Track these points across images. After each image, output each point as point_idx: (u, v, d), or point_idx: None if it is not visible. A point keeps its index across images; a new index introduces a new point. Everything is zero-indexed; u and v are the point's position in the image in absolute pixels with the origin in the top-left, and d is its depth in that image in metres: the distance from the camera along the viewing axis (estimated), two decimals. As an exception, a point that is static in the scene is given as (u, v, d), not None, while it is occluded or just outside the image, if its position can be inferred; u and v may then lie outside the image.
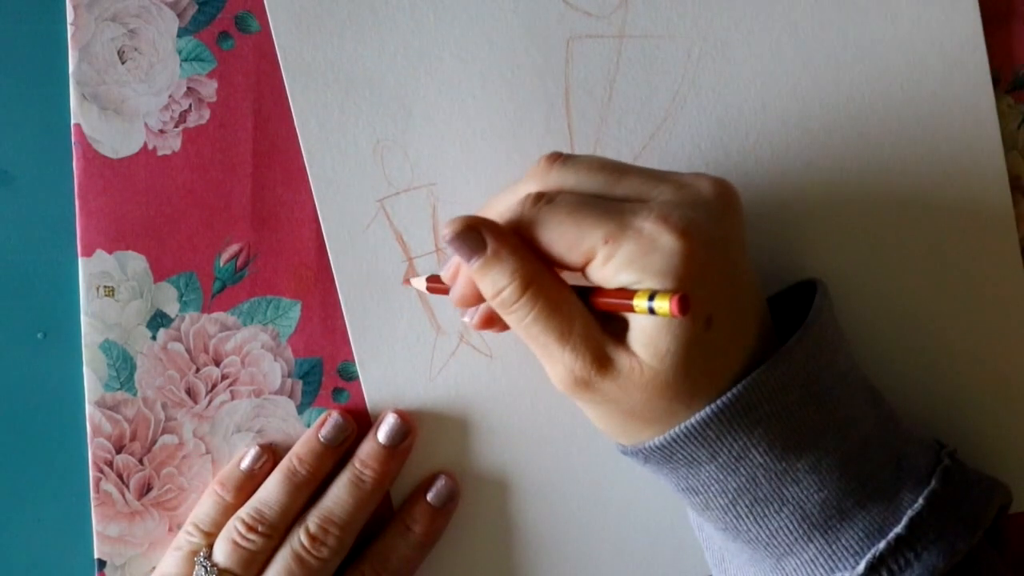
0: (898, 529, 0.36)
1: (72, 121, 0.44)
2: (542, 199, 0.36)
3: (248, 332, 0.45)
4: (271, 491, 0.43)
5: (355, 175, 0.45)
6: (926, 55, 0.45)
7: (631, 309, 0.34)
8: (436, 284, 0.41)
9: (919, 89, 0.45)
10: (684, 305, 0.32)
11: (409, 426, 0.45)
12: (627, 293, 0.34)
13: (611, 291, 0.35)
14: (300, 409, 0.45)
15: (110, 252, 0.45)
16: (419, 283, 0.43)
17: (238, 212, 0.45)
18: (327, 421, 0.44)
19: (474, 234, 0.36)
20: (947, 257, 0.45)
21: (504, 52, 0.45)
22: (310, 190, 0.45)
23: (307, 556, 0.42)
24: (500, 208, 0.38)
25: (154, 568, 0.44)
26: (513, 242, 0.36)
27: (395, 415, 0.44)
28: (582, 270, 0.36)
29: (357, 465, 0.44)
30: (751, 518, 0.37)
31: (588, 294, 0.36)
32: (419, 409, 0.45)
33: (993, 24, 0.45)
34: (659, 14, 0.45)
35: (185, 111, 0.45)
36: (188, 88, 0.45)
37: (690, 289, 0.34)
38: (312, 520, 0.43)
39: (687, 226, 0.34)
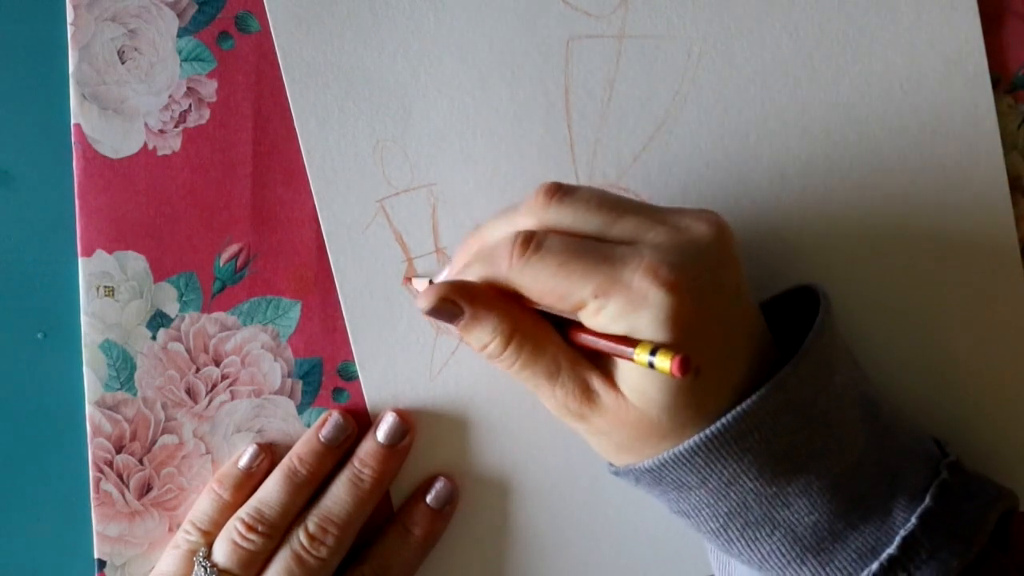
0: (890, 550, 0.36)
1: (72, 121, 0.44)
2: (529, 247, 0.36)
3: (248, 332, 0.45)
4: (271, 491, 0.43)
5: (355, 175, 0.45)
6: (926, 55, 0.45)
7: (630, 358, 0.34)
8: None
9: (919, 89, 0.45)
10: (685, 366, 0.32)
11: (408, 425, 0.45)
12: (628, 341, 0.34)
13: (610, 336, 0.35)
14: (300, 409, 0.45)
15: (110, 252, 0.45)
16: (420, 284, 0.43)
17: (238, 212, 0.45)
18: (327, 421, 0.44)
19: (448, 304, 0.37)
20: (947, 257, 0.45)
21: (504, 52, 0.45)
22: (310, 190, 0.45)
23: (306, 556, 0.42)
24: (491, 241, 0.38)
25: (153, 567, 0.44)
26: (489, 300, 0.37)
27: (394, 414, 0.44)
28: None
29: (356, 464, 0.44)
30: (743, 542, 0.37)
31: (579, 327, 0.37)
32: (419, 409, 0.45)
33: (992, 24, 0.45)
34: (659, 14, 0.45)
35: (185, 111, 0.45)
36: (188, 88, 0.45)
37: (680, 342, 0.34)
38: (311, 520, 0.43)
39: (677, 278, 0.34)
